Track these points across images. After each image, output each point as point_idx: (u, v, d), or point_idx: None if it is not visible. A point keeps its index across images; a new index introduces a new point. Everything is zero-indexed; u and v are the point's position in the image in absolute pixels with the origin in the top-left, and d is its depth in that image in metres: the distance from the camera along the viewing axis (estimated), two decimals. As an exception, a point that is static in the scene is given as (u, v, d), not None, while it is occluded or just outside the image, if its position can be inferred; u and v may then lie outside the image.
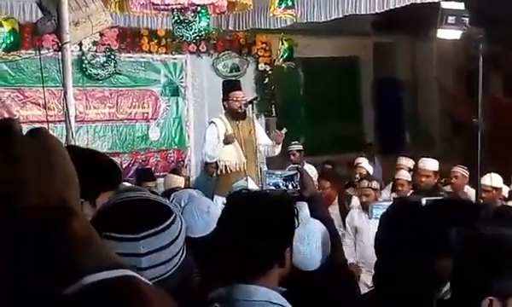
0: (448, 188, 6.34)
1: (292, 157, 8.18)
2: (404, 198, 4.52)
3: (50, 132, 0.99)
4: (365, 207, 5.50)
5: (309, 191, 2.69)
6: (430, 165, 6.28)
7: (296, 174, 2.69)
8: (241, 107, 6.14)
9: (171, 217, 1.52)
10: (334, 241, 2.60)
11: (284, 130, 6.34)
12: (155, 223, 1.47)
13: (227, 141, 6.07)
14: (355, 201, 6.53)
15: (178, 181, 7.00)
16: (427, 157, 6.51)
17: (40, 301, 0.90)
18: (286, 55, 9.08)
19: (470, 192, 6.21)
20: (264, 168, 6.61)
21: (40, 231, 0.90)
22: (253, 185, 4.20)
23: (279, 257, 1.81)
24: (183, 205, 3.45)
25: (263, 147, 6.42)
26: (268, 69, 9.45)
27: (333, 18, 7.35)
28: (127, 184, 5.83)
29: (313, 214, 2.64)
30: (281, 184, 2.68)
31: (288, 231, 1.86)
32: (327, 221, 2.63)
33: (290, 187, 2.67)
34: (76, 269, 0.89)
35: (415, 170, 6.80)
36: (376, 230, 2.15)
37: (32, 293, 0.89)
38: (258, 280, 1.75)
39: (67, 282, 0.89)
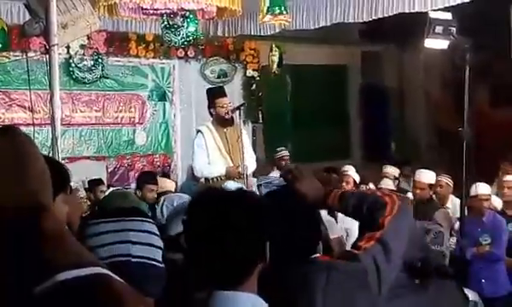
0: (433, 197, 6.36)
1: (282, 163, 8.19)
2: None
3: (21, 131, 0.99)
4: None
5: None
6: (425, 177, 6.19)
7: None
8: (228, 113, 6.13)
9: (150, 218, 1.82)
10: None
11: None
12: (140, 215, 1.78)
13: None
14: None
15: (170, 184, 6.98)
16: (425, 168, 6.42)
17: (13, 298, 0.90)
18: (278, 62, 9.12)
19: (455, 201, 6.25)
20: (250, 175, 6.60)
21: (14, 229, 0.90)
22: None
23: (263, 255, 1.70)
24: (175, 204, 3.48)
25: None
26: (256, 75, 9.47)
27: (321, 25, 7.38)
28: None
29: None
30: None
31: (265, 224, 1.74)
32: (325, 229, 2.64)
33: None
34: (48, 266, 0.89)
35: (411, 181, 6.80)
36: None
37: (4, 290, 0.89)
38: (241, 284, 1.66)
39: (40, 279, 0.89)
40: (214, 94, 6.31)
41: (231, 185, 4.80)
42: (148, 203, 5.45)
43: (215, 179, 6.05)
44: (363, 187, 5.84)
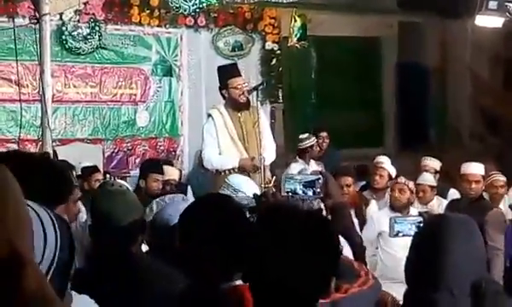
0: (486, 196, 6.23)
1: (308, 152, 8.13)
2: (441, 215, 4.46)
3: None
4: (396, 207, 5.64)
5: (333, 200, 2.67)
6: (477, 168, 6.08)
7: (318, 179, 2.66)
8: (242, 94, 6.09)
9: None
10: (357, 254, 2.61)
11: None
12: None
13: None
14: (373, 206, 6.51)
15: (173, 172, 7.00)
16: (470, 160, 6.33)
17: None
18: (299, 33, 9.03)
19: (508, 202, 6.19)
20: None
21: None
22: (252, 185, 4.22)
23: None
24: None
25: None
26: (276, 48, 9.42)
27: (353, -8, 7.33)
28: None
29: (336, 226, 2.63)
30: (299, 191, 2.65)
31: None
32: (351, 234, 2.63)
33: (310, 193, 2.63)
34: None
35: (442, 174, 6.72)
36: (408, 253, 2.11)
37: None
38: None
39: None
40: (226, 73, 6.27)
41: (236, 179, 4.69)
42: (151, 195, 5.49)
43: (227, 172, 6.02)
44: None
